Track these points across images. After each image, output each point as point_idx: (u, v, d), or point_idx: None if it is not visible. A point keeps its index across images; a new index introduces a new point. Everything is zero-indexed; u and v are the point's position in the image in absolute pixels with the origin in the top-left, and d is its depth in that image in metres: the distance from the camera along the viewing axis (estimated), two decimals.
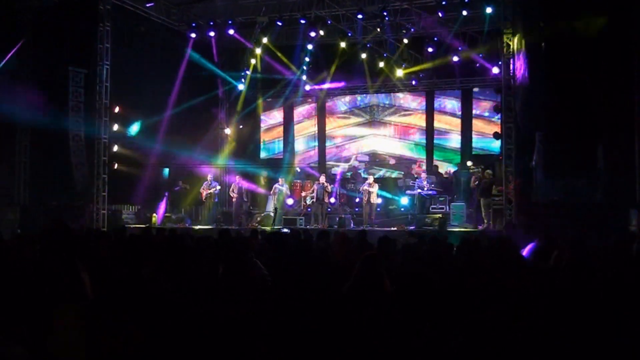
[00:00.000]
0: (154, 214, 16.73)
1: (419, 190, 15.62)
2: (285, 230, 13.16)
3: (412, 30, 16.22)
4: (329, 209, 16.50)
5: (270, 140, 21.40)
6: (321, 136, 20.66)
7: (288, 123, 21.00)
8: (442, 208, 16.07)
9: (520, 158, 14.16)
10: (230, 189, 17.26)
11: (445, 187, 16.91)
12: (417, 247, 7.34)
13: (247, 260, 5.24)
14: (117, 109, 16.10)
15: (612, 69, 12.59)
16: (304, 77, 18.78)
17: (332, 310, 3.65)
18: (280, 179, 17.00)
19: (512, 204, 13.87)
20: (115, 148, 16.00)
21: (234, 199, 16.99)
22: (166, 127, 17.20)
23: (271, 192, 16.82)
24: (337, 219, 15.40)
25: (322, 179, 16.22)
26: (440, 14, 15.55)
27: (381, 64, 17.40)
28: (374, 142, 20.01)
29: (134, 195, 16.81)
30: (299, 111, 21.05)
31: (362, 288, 4.22)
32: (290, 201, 17.03)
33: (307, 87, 19.39)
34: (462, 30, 16.38)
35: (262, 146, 21.33)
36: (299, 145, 21.00)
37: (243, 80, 18.92)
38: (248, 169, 19.25)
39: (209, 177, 17.05)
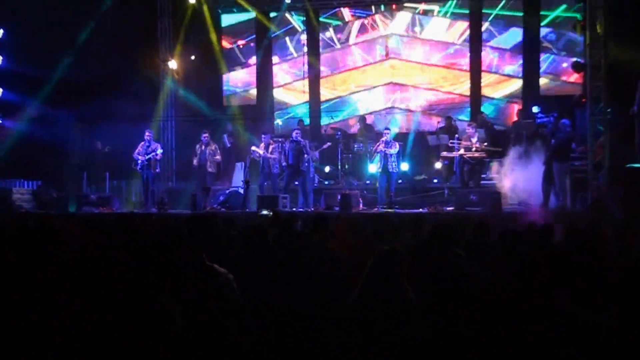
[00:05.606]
0: None
1: (462, 152, 15.50)
2: (264, 212, 13.28)
3: None
4: (326, 182, 16.46)
5: (240, 79, 21.48)
6: (312, 76, 20.78)
7: (266, 56, 20.99)
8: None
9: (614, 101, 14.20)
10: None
11: (500, 146, 16.60)
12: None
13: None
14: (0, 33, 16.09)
15: None
16: None
17: (335, 325, 3.82)
18: (264, 136, 16.79)
19: (603, 170, 13.89)
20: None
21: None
22: (77, 63, 17.14)
23: (250, 156, 16.45)
24: (339, 196, 15.28)
25: (295, 133, 16.31)
26: None
27: None
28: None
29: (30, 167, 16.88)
30: (282, 39, 21.11)
31: (375, 295, 4.37)
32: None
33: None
34: None
35: (226, 87, 21.36)
36: (280, 92, 21.20)
37: None
38: (205, 121, 19.08)
39: (147, 135, 16.85)
